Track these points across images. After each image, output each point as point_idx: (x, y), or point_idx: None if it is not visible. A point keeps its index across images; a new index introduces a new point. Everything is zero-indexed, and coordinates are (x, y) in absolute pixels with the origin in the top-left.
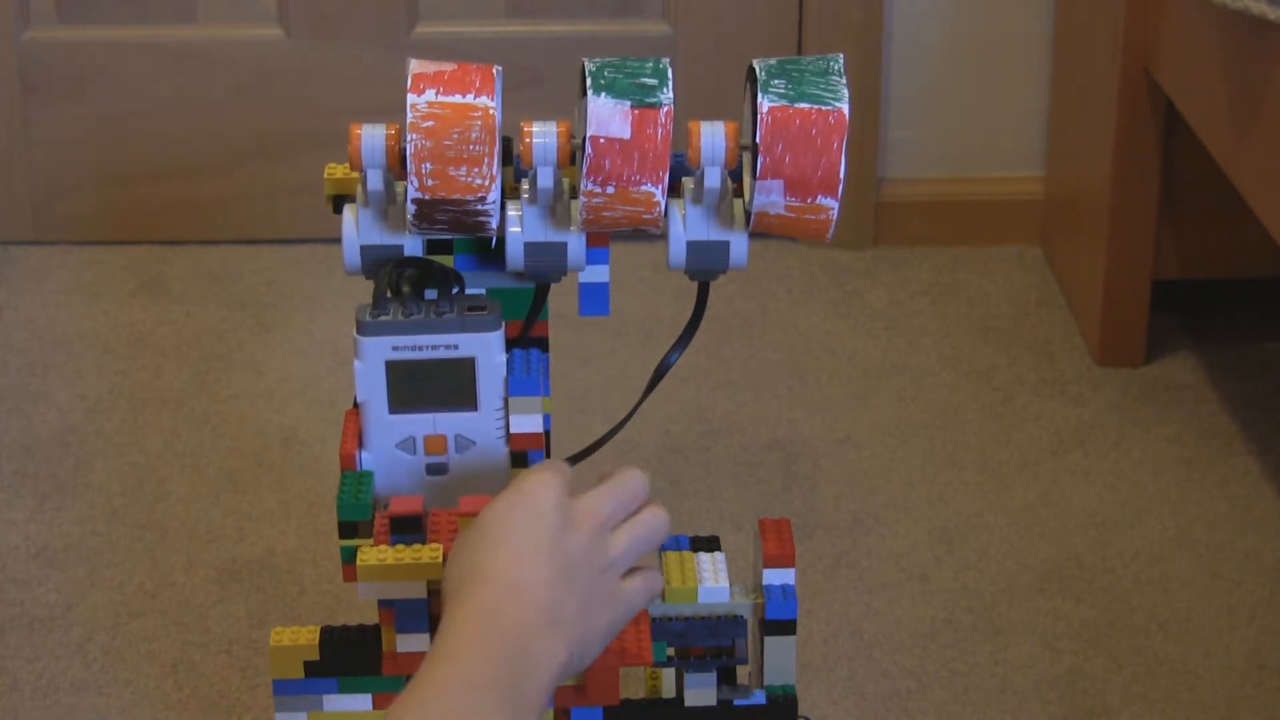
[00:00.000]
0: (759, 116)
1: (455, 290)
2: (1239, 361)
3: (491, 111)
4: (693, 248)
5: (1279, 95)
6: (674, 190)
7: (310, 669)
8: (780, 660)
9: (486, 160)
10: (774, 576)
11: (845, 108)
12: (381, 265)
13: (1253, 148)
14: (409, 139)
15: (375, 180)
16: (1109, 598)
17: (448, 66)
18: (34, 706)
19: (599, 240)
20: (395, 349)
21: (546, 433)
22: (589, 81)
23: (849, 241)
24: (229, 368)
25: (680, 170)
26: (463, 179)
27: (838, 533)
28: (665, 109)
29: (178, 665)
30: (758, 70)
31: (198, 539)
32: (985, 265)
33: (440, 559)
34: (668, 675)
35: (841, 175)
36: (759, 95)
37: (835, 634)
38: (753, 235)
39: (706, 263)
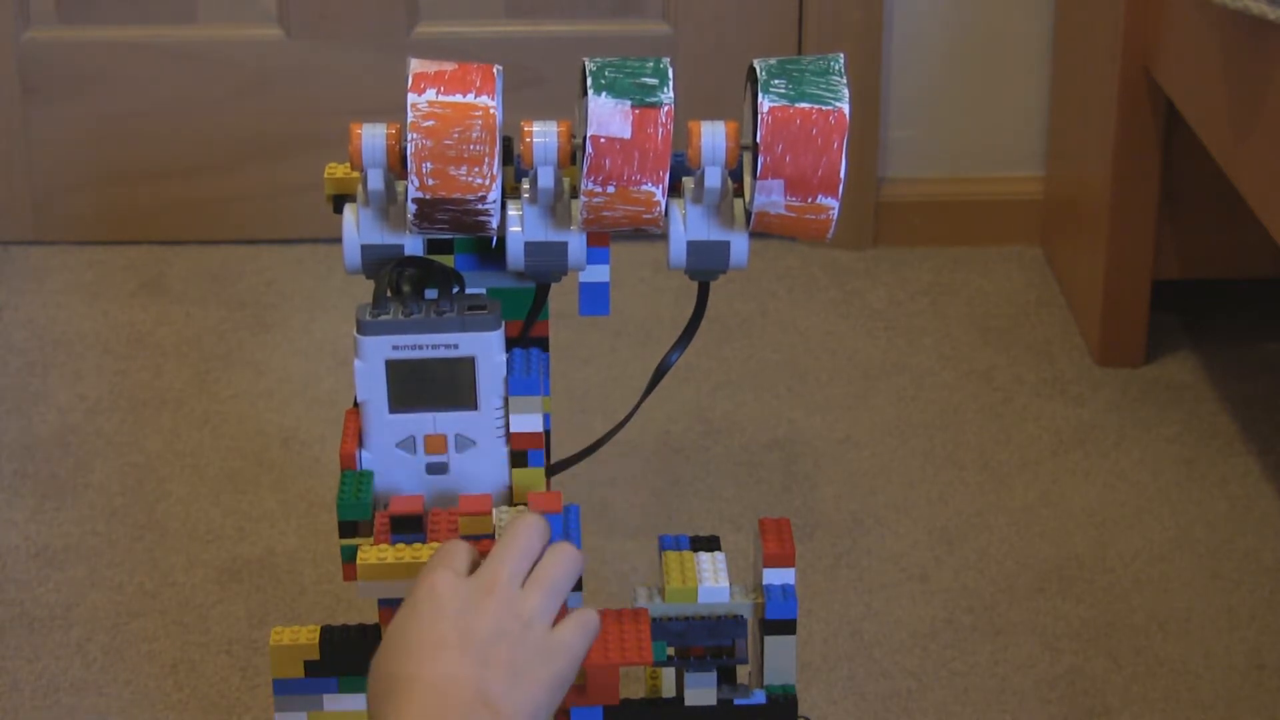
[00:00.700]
0: (759, 116)
1: (455, 290)
2: (1239, 361)
3: (492, 111)
4: (693, 247)
5: (1279, 95)
6: (674, 190)
7: (310, 669)
8: (780, 660)
9: (487, 160)
10: (774, 576)
11: (846, 107)
12: (382, 265)
13: (1253, 148)
14: (409, 138)
15: (375, 180)
16: (1109, 598)
17: (448, 66)
18: (34, 706)
19: (599, 240)
20: (395, 348)
21: (546, 432)
22: (589, 81)
23: (849, 241)
24: (229, 368)
25: (680, 170)
26: (463, 178)
27: (838, 533)
28: (666, 109)
29: (178, 665)
30: (758, 70)
31: (198, 539)
32: (985, 265)
33: None
34: (668, 675)
35: (842, 175)
36: (759, 95)
37: (835, 634)
38: (753, 235)
39: (707, 263)
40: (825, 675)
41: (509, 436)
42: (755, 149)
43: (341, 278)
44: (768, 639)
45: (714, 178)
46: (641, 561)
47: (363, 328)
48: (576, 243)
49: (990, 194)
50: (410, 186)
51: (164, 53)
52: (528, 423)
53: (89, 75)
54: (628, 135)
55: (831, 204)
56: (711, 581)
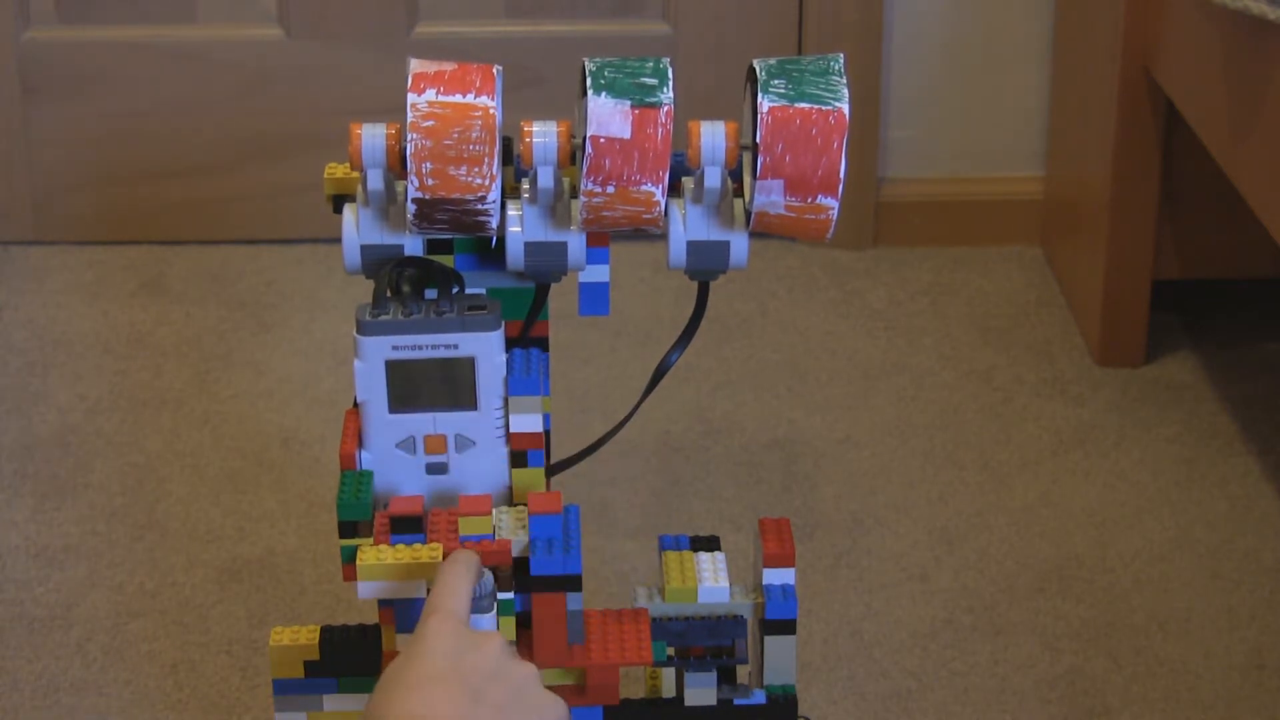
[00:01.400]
0: (759, 116)
1: (455, 290)
2: (1239, 361)
3: (492, 111)
4: (693, 247)
5: (1279, 95)
6: (674, 190)
7: (310, 669)
8: (780, 660)
9: (487, 160)
10: (774, 576)
11: (845, 107)
12: (382, 265)
13: (1253, 148)
14: (409, 138)
15: (375, 180)
16: (1109, 598)
17: (448, 66)
18: (34, 706)
19: (599, 240)
20: (395, 348)
21: (546, 432)
22: (589, 81)
23: (849, 241)
24: (229, 368)
25: (680, 170)
26: (463, 178)
27: (838, 533)
28: (665, 109)
29: (178, 665)
30: (758, 70)
31: (198, 539)
32: (985, 265)
33: (440, 559)
34: (668, 675)
35: (842, 175)
36: (759, 95)
37: (835, 634)
38: (753, 235)
39: (706, 263)
40: (825, 675)
41: (509, 436)
42: (755, 149)
43: (341, 278)
44: (768, 639)
45: (714, 178)
46: (641, 561)
47: (363, 328)
48: (576, 243)
49: (990, 194)
50: (410, 187)
51: (164, 53)
52: (528, 423)
53: (89, 75)
54: (628, 135)
55: (831, 204)
56: (711, 581)
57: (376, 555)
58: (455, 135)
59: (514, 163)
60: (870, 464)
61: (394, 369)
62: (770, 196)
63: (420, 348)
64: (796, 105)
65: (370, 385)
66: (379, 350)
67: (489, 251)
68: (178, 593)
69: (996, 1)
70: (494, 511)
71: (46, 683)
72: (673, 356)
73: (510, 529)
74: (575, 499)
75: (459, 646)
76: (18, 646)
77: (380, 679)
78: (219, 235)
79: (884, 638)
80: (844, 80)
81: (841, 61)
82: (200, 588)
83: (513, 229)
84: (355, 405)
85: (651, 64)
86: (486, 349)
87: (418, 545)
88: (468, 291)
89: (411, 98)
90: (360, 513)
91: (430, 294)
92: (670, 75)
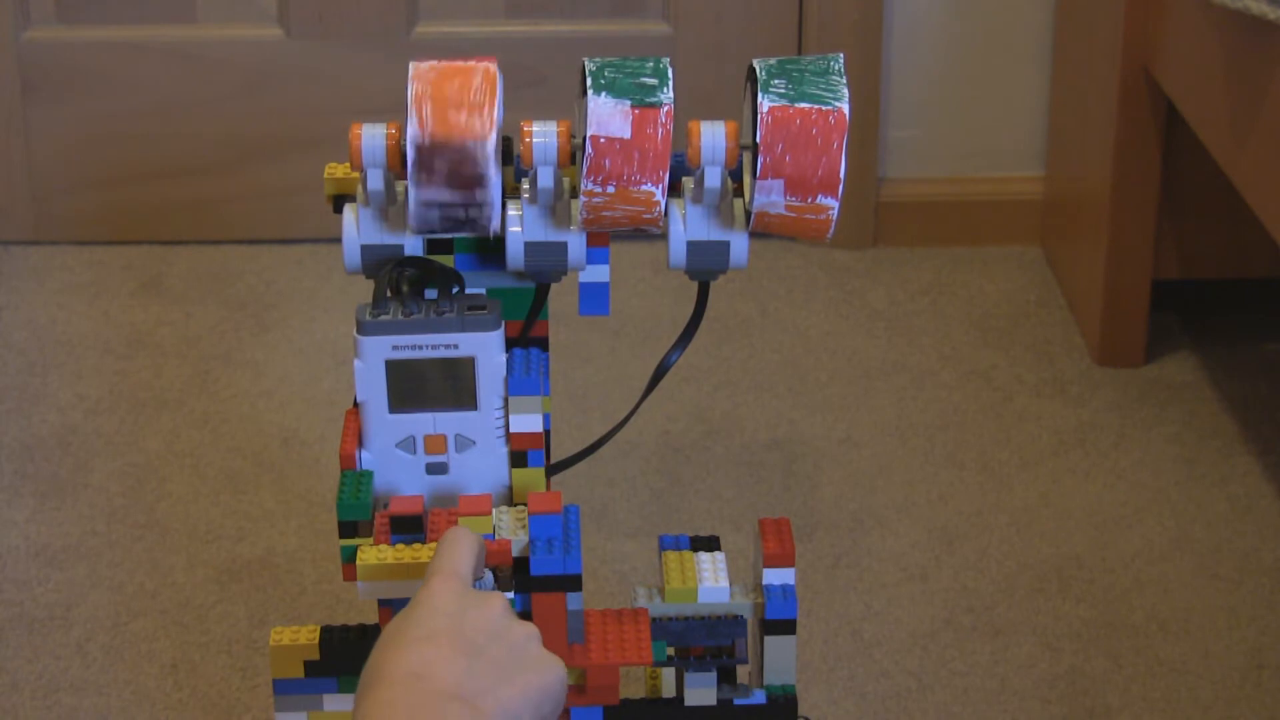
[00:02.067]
0: (759, 116)
1: (455, 290)
2: (1239, 361)
3: (493, 71)
4: (693, 247)
5: (1279, 95)
6: (674, 190)
7: (310, 669)
8: (780, 660)
9: (487, 108)
10: (774, 576)
11: (845, 107)
12: (382, 265)
13: (1253, 148)
14: (410, 88)
15: (375, 180)
16: (1109, 598)
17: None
18: (34, 706)
19: (599, 240)
20: (395, 348)
21: (546, 432)
22: (589, 81)
23: (849, 241)
24: (229, 368)
25: (680, 170)
26: (463, 122)
27: (838, 533)
28: (665, 108)
29: (178, 665)
30: (758, 70)
31: (198, 539)
32: (985, 265)
33: None
34: (668, 675)
35: (842, 175)
36: (759, 95)
37: (835, 634)
38: (753, 235)
39: (706, 262)
40: (825, 675)
41: (509, 436)
42: (755, 149)
43: (341, 278)
44: (768, 639)
45: (714, 178)
46: (641, 561)
47: (363, 328)
48: (576, 243)
49: (990, 194)
50: (409, 129)
51: (164, 53)
52: (528, 423)
53: (89, 75)
54: (628, 135)
55: (831, 204)
56: (711, 581)
57: (376, 555)
58: (457, 84)
59: (514, 162)
60: (870, 464)
61: (394, 369)
62: (770, 196)
63: (420, 348)
64: (797, 105)
65: (370, 385)
66: (379, 350)
67: (489, 251)
68: (178, 593)
69: (996, 1)
70: (494, 511)
71: (46, 683)
72: (673, 356)
73: (510, 529)
74: (575, 499)
75: (462, 605)
76: (18, 646)
77: (381, 635)
78: (219, 235)
79: (884, 638)
80: (844, 80)
81: (841, 61)
82: (200, 588)
83: (513, 229)
84: (355, 405)
85: (651, 64)
86: (486, 349)
87: (418, 545)
88: (468, 291)
89: (414, 65)
90: (360, 513)
91: (430, 294)
92: (670, 75)
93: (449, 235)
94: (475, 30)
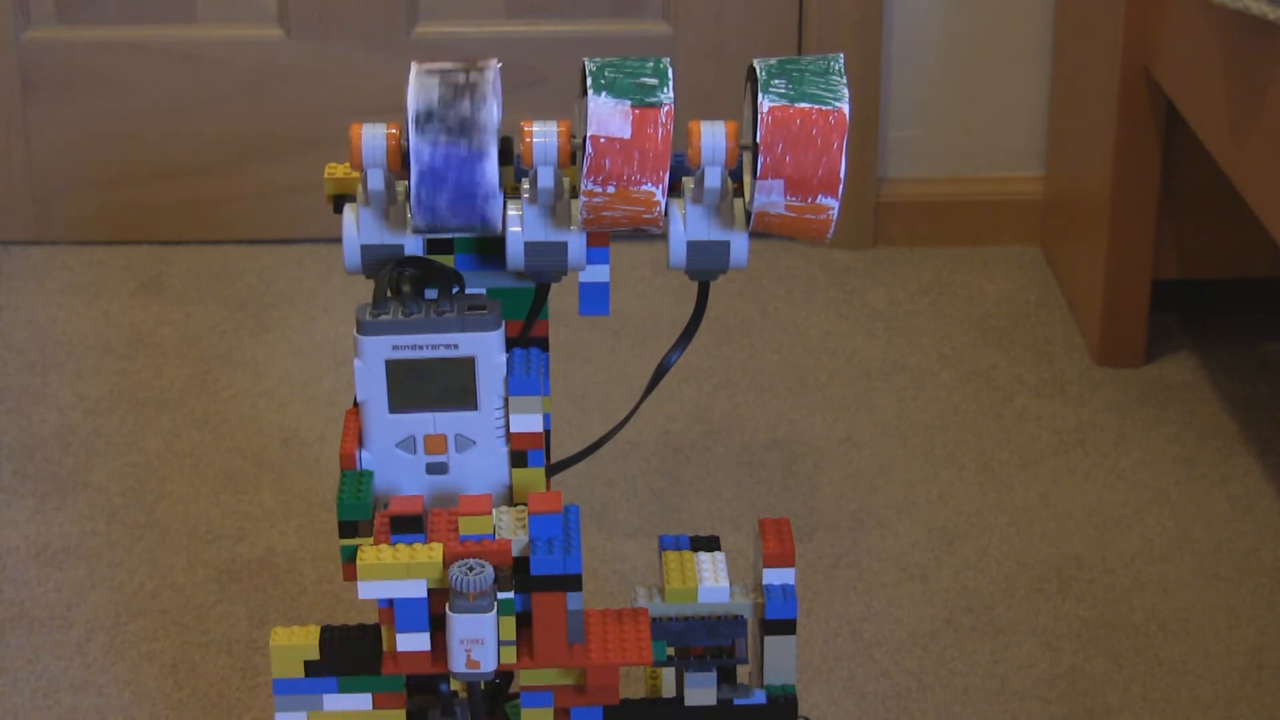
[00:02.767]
0: (759, 116)
1: (455, 290)
2: (1239, 361)
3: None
4: (693, 247)
5: (1279, 95)
6: (674, 190)
7: (310, 669)
8: (780, 660)
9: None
10: (774, 576)
11: (845, 107)
12: (382, 265)
13: (1253, 148)
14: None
15: (375, 180)
16: (1109, 598)
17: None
18: (34, 706)
19: (599, 240)
20: (395, 348)
21: (546, 432)
22: (589, 81)
23: (849, 241)
24: (229, 368)
25: (680, 170)
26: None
27: (838, 533)
28: (666, 108)
29: (178, 665)
30: (758, 70)
31: (198, 539)
32: (985, 265)
33: (440, 559)
34: (668, 675)
35: (842, 175)
36: (759, 95)
37: (835, 634)
38: (753, 235)
39: (707, 262)
40: (825, 675)
41: (509, 436)
42: (755, 149)
43: (341, 278)
44: (768, 639)
45: (714, 178)
46: (641, 561)
47: (363, 328)
48: (576, 243)
49: (990, 194)
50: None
51: (164, 53)
52: (528, 423)
53: (89, 75)
54: (628, 135)
55: (831, 204)
56: (711, 581)
57: (376, 555)
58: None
59: (514, 162)
60: (870, 464)
61: (394, 369)
62: (770, 196)
63: (420, 347)
64: (797, 105)
65: (370, 385)
66: (379, 350)
67: (489, 251)
68: (178, 593)
69: (996, 1)
70: (494, 511)
71: (46, 683)
72: (673, 356)
73: (510, 529)
74: (575, 499)
75: None
76: (18, 646)
77: None
78: (219, 235)
79: (884, 638)
80: (844, 80)
81: (841, 61)
82: (200, 588)
83: (513, 229)
84: (355, 405)
85: (651, 64)
86: (486, 349)
87: (418, 545)
88: (468, 291)
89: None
90: (360, 513)
91: (430, 294)
92: (670, 75)
93: (450, 235)
94: (475, 30)
